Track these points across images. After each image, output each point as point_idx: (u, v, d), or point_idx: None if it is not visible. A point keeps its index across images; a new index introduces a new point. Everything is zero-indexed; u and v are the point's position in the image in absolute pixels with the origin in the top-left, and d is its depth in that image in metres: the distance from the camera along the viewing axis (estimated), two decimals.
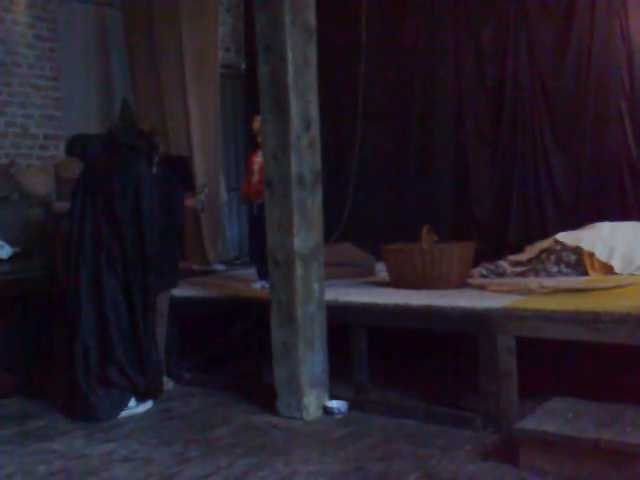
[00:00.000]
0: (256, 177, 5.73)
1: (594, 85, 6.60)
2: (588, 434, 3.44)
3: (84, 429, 4.57)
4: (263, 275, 5.45)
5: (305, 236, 4.55)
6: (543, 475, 3.48)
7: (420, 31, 7.65)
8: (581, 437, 3.43)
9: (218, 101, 7.73)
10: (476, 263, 5.53)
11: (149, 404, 4.94)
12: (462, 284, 5.11)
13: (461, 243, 5.45)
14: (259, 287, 5.63)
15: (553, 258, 5.43)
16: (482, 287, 5.00)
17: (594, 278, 5.17)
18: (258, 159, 5.64)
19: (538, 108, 6.90)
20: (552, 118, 6.87)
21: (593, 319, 3.88)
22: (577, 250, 5.37)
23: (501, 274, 5.53)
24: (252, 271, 6.20)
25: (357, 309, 4.79)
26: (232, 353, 6.07)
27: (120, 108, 7.75)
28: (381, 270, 5.85)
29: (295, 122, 4.46)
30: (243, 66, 8.96)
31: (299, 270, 4.51)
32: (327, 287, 4.81)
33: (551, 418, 3.68)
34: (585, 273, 5.31)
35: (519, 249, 5.90)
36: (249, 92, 8.37)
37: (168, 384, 5.37)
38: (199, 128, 7.59)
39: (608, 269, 5.26)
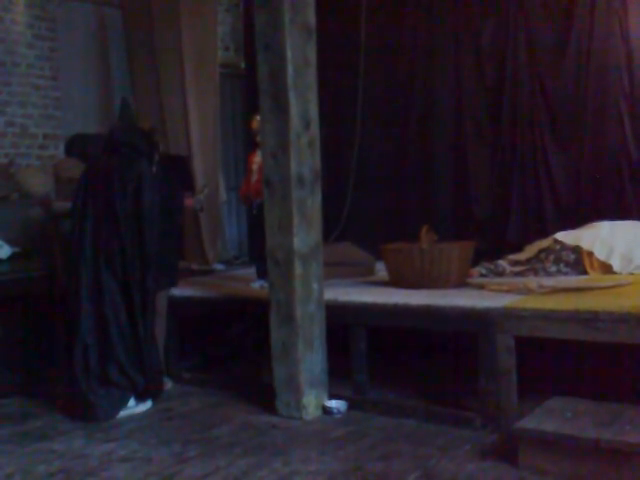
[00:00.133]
0: (255, 176, 5.73)
1: (593, 85, 6.59)
2: (587, 433, 3.44)
3: (83, 429, 4.57)
4: (262, 275, 5.45)
5: (304, 235, 4.55)
6: (542, 474, 3.48)
7: (419, 31, 7.64)
8: (580, 436, 3.43)
9: (217, 100, 7.72)
10: (475, 263, 5.53)
11: (148, 404, 4.94)
12: (461, 284, 5.11)
13: (460, 243, 5.45)
14: (258, 287, 5.63)
15: (552, 257, 5.43)
16: (481, 286, 5.00)
17: (593, 277, 5.16)
18: (257, 158, 5.64)
19: (537, 108, 6.90)
20: (551, 118, 6.87)
21: (592, 318, 3.88)
22: (576, 249, 5.37)
23: (500, 273, 5.53)
24: (251, 271, 6.20)
25: (356, 309, 4.79)
26: (231, 353, 6.07)
27: (119, 108, 7.75)
28: (380, 270, 5.85)
29: (295, 121, 4.46)
30: (242, 65, 8.95)
31: (298, 270, 4.51)
32: (326, 287, 4.81)
33: (550, 417, 3.68)
34: (584, 272, 5.31)
35: (518, 248, 5.90)
36: (249, 91, 8.36)
37: (167, 384, 5.37)
38: (198, 127, 7.59)
39: (607, 268, 5.26)
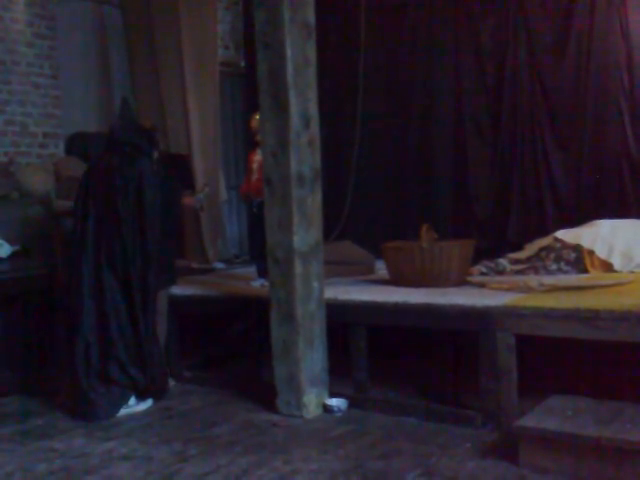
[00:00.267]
0: (255, 175, 5.73)
1: (594, 84, 6.60)
2: (588, 431, 3.44)
3: (84, 427, 4.57)
4: (263, 273, 5.45)
5: (305, 234, 4.55)
6: (543, 472, 3.48)
7: (419, 30, 7.65)
8: (581, 434, 3.43)
9: (217, 99, 7.72)
10: (476, 261, 5.53)
11: (149, 402, 4.94)
12: (462, 282, 5.11)
13: (461, 241, 5.45)
14: (259, 285, 5.63)
15: (553, 256, 5.43)
16: (482, 285, 5.00)
17: (594, 276, 5.16)
18: (257, 157, 5.64)
19: (537, 107, 6.91)
20: (552, 117, 6.88)
21: (593, 317, 3.88)
22: (577, 248, 5.37)
23: (501, 272, 5.53)
24: (252, 269, 6.21)
25: (357, 307, 4.79)
26: (232, 351, 6.06)
27: (120, 106, 7.75)
28: (381, 268, 5.85)
29: (294, 120, 4.46)
30: (242, 64, 8.95)
31: (299, 268, 4.51)
32: (327, 285, 4.81)
33: (551, 416, 3.68)
34: (585, 271, 5.31)
35: (519, 247, 5.90)
36: (248, 90, 8.37)
37: (170, 383, 5.36)
38: (198, 126, 7.59)
39: (608, 267, 5.26)
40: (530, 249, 5.64)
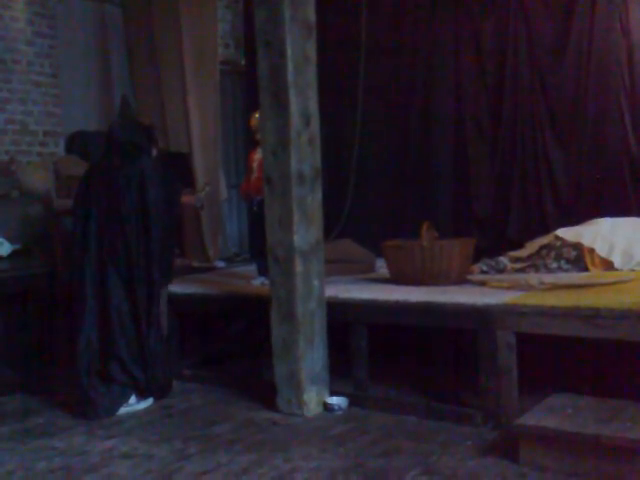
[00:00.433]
0: (255, 174, 5.73)
1: (594, 82, 6.59)
2: (588, 430, 3.44)
3: (84, 426, 4.57)
4: (263, 272, 5.45)
5: (305, 233, 4.55)
6: (543, 471, 3.48)
7: (420, 28, 7.64)
8: (581, 433, 3.43)
9: (218, 97, 7.72)
10: (476, 259, 5.53)
11: (149, 401, 4.95)
12: (462, 280, 5.11)
13: (461, 239, 5.45)
14: (259, 284, 5.63)
15: (553, 254, 5.43)
16: (482, 283, 5.00)
17: (594, 274, 5.16)
18: (257, 156, 5.64)
19: (538, 105, 6.90)
20: (552, 115, 6.87)
21: (593, 315, 3.87)
22: (577, 246, 5.37)
23: (501, 270, 5.53)
24: (252, 268, 6.20)
25: (357, 306, 4.79)
26: (232, 350, 6.06)
27: (120, 105, 7.75)
28: (381, 267, 5.85)
29: (295, 118, 4.46)
30: (243, 62, 8.94)
31: (299, 267, 4.51)
32: (327, 284, 4.81)
33: (551, 414, 3.68)
34: (585, 269, 5.31)
35: (519, 245, 5.90)
36: (249, 88, 8.36)
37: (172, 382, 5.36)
38: (199, 124, 7.58)
39: (608, 265, 5.26)
40: (530, 247, 5.64)
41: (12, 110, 7.06)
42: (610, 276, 4.90)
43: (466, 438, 4.02)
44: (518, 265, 5.55)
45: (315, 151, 4.63)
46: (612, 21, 6.45)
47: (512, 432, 3.76)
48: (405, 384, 5.00)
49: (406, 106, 7.75)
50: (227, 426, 4.45)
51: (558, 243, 5.46)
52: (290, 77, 4.42)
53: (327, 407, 4.63)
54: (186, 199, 5.76)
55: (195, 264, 7.46)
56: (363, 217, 7.95)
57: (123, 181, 4.84)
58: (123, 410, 4.80)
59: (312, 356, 4.60)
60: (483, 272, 5.51)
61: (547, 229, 6.07)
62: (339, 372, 4.79)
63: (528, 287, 4.66)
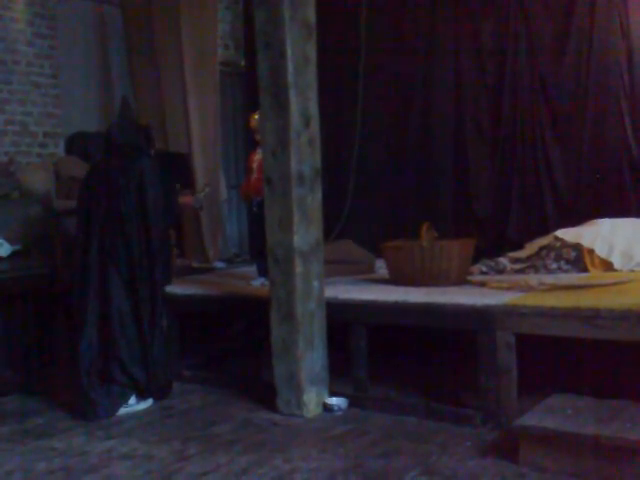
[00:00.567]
0: (255, 174, 5.73)
1: (594, 83, 6.60)
2: (588, 430, 3.44)
3: (84, 426, 4.57)
4: (263, 272, 5.45)
5: (305, 233, 4.55)
6: (543, 471, 3.48)
7: (420, 29, 7.65)
8: (581, 433, 3.43)
9: (218, 98, 7.72)
10: (476, 260, 5.53)
11: (149, 402, 4.95)
12: (462, 281, 5.11)
13: (461, 240, 5.45)
14: (259, 284, 5.63)
15: (553, 255, 5.43)
16: (482, 284, 5.00)
17: (594, 275, 5.16)
18: (257, 156, 5.64)
19: (538, 106, 6.91)
20: (552, 115, 6.88)
21: (593, 316, 3.87)
22: (577, 247, 5.37)
23: (501, 271, 5.53)
24: (252, 268, 6.21)
25: (357, 306, 4.79)
26: (232, 351, 6.07)
27: (120, 106, 7.76)
28: (381, 267, 5.85)
29: (295, 119, 4.46)
30: (242, 63, 8.95)
31: (299, 267, 4.51)
32: (327, 284, 4.81)
33: (551, 414, 3.68)
34: (585, 270, 5.31)
35: (519, 246, 5.90)
36: (249, 89, 8.37)
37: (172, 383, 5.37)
38: (199, 125, 7.59)
39: (608, 266, 5.26)
40: (530, 248, 5.64)
41: (12, 111, 7.07)
42: (610, 277, 4.90)
43: (466, 439, 4.02)
44: (518, 266, 5.55)
45: (315, 152, 4.63)
46: (612, 21, 6.46)
47: (512, 433, 3.76)
48: (405, 385, 5.00)
49: (406, 106, 7.76)
50: (227, 427, 4.45)
51: (558, 244, 5.46)
52: (290, 78, 4.42)
53: (327, 408, 4.63)
54: (186, 200, 5.76)
55: (195, 265, 7.46)
56: (363, 218, 7.96)
57: (123, 181, 4.86)
58: (123, 411, 4.80)
59: (312, 357, 4.60)
60: (483, 273, 5.51)
61: (547, 230, 6.07)
62: (339, 373, 4.79)
63: (528, 288, 4.66)
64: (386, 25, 7.84)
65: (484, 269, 5.55)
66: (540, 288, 4.62)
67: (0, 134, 6.96)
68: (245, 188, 6.02)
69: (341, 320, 4.80)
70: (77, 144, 7.30)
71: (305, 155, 4.54)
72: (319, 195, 4.67)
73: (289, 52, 4.41)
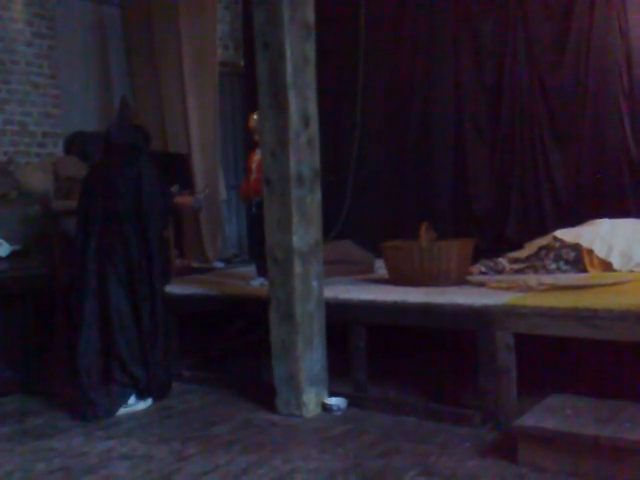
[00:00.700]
0: (254, 175, 5.73)
1: (593, 83, 6.60)
2: (587, 431, 3.44)
3: (83, 427, 4.57)
4: (262, 273, 5.45)
5: (304, 234, 4.55)
6: (542, 471, 3.48)
7: (419, 29, 7.66)
8: (580, 434, 3.43)
9: (217, 98, 7.73)
10: (475, 260, 5.53)
11: (149, 402, 4.94)
12: (461, 281, 5.11)
13: (460, 240, 5.45)
14: (258, 285, 5.63)
15: (552, 255, 5.43)
16: (481, 284, 5.00)
17: (593, 275, 5.17)
18: (256, 157, 5.64)
19: (537, 106, 6.91)
20: (551, 116, 6.88)
21: (592, 316, 3.88)
22: (576, 247, 5.37)
23: (500, 271, 5.53)
24: (251, 269, 6.20)
25: (356, 306, 4.79)
26: (231, 351, 6.07)
27: (119, 106, 7.76)
28: (380, 267, 5.85)
29: (294, 120, 4.46)
30: (242, 63, 8.95)
31: (298, 268, 4.51)
32: (326, 285, 4.81)
33: (550, 415, 3.68)
34: (584, 270, 5.31)
35: (518, 246, 5.90)
36: (248, 89, 8.37)
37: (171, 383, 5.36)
38: (198, 126, 7.60)
39: (607, 266, 5.26)
40: (529, 248, 5.64)
41: (11, 111, 7.07)
42: (609, 277, 4.90)
43: (465, 439, 4.02)
44: (517, 266, 5.55)
45: (314, 152, 4.63)
46: (610, 22, 6.46)
47: (511, 433, 3.76)
48: (404, 385, 5.01)
49: (405, 107, 7.76)
50: (226, 427, 4.45)
51: (557, 244, 5.46)
52: (289, 78, 4.42)
53: (326, 408, 4.63)
54: (185, 200, 5.76)
55: (194, 265, 7.46)
56: (362, 218, 7.96)
57: (120, 181, 4.86)
58: (122, 410, 4.80)
59: (311, 357, 4.60)
60: (482, 273, 5.51)
61: (546, 230, 6.07)
62: (338, 373, 4.79)
63: (527, 288, 4.66)
64: (385, 26, 7.84)
65: (483, 269, 5.55)
66: (539, 288, 4.63)
67: None
68: (244, 189, 6.02)
69: (340, 320, 4.80)
70: (76, 144, 7.29)
71: (304, 155, 4.54)
72: (318, 195, 4.67)
73: (288, 52, 4.41)
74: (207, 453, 3.98)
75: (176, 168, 7.16)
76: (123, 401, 4.82)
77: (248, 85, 8.37)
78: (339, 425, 4.37)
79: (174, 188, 5.83)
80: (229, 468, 3.75)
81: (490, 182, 7.27)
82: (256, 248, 5.62)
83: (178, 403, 5.03)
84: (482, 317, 4.21)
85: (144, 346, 4.81)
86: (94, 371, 4.78)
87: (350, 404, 4.66)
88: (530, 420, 3.65)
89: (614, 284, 4.61)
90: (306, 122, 4.54)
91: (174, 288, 5.63)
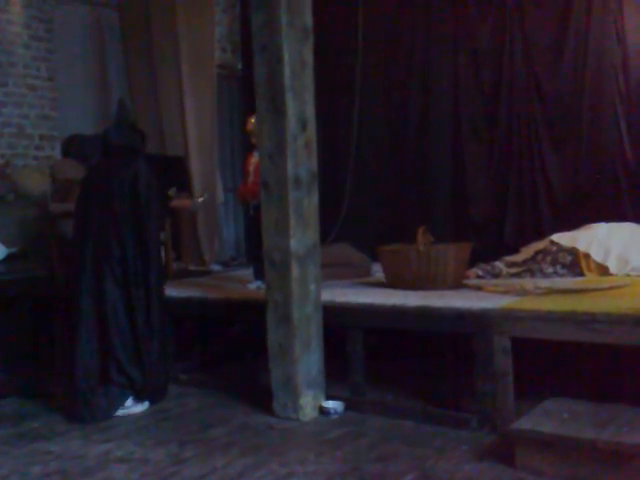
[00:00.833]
0: (251, 178, 5.73)
1: (590, 86, 6.62)
2: (584, 434, 3.44)
3: (80, 430, 4.56)
4: (259, 276, 5.44)
5: (301, 237, 4.55)
6: (539, 475, 3.48)
7: (417, 32, 7.67)
8: (577, 437, 3.43)
9: (215, 101, 7.73)
10: (472, 264, 5.53)
11: (146, 405, 4.94)
12: (458, 285, 5.11)
13: (457, 244, 5.45)
14: (255, 288, 5.63)
15: (549, 259, 5.44)
16: (478, 288, 5.01)
17: (590, 279, 5.17)
18: (254, 160, 5.64)
19: (534, 109, 6.93)
20: (548, 119, 6.89)
21: (589, 320, 3.88)
22: (573, 251, 5.38)
23: (497, 275, 5.54)
24: (248, 272, 6.20)
25: (353, 310, 4.79)
26: (228, 354, 6.06)
27: (117, 109, 7.75)
28: (377, 271, 5.85)
29: (291, 123, 4.46)
30: (239, 67, 8.96)
31: (295, 271, 4.51)
32: (323, 288, 4.81)
33: (547, 418, 3.68)
34: (581, 274, 5.32)
35: (515, 250, 5.91)
36: (246, 93, 8.37)
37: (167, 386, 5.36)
38: (196, 128, 7.60)
39: (604, 270, 5.27)
40: (526, 252, 5.65)
41: (8, 113, 7.07)
42: (606, 281, 4.91)
43: (462, 442, 4.01)
44: (514, 270, 5.56)
45: (311, 155, 4.64)
46: (607, 26, 6.49)
47: (508, 436, 3.76)
48: (401, 388, 5.00)
49: (403, 109, 7.77)
50: (223, 430, 4.45)
51: (554, 248, 5.47)
52: (287, 81, 4.43)
53: (323, 411, 4.62)
54: (183, 203, 5.76)
55: (191, 267, 7.46)
56: (359, 221, 7.96)
57: (117, 182, 4.87)
58: (120, 412, 4.79)
59: (308, 360, 4.59)
60: (479, 277, 5.52)
61: (543, 234, 6.08)
62: (335, 376, 4.79)
63: (524, 292, 4.66)
64: (383, 28, 7.85)
65: (480, 273, 5.56)
66: (536, 292, 4.63)
67: None
68: (242, 192, 6.02)
69: (338, 324, 4.80)
70: (74, 146, 7.29)
71: (302, 158, 4.55)
72: (316, 198, 4.67)
73: (286, 56, 4.41)
74: (204, 456, 3.98)
75: (174, 171, 7.16)
76: (121, 403, 4.81)
77: (246, 88, 8.37)
78: (336, 428, 4.37)
79: (171, 191, 5.83)
80: (226, 471, 3.75)
81: (487, 185, 7.28)
82: (254, 251, 5.62)
83: (175, 406, 5.02)
84: (479, 321, 4.21)
85: (139, 348, 4.81)
86: (92, 373, 4.77)
87: (347, 407, 4.66)
88: (527, 424, 3.65)
89: (611, 288, 4.62)
90: (303, 125, 4.55)
91: (171, 291, 5.62)
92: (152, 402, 4.97)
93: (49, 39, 7.39)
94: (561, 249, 5.43)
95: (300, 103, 4.53)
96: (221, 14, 8.80)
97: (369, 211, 7.92)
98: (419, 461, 3.76)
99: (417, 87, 7.68)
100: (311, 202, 4.62)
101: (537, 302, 4.30)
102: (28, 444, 4.32)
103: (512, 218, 7.07)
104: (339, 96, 8.08)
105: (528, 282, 5.01)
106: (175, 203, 5.77)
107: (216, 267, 7.60)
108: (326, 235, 7.25)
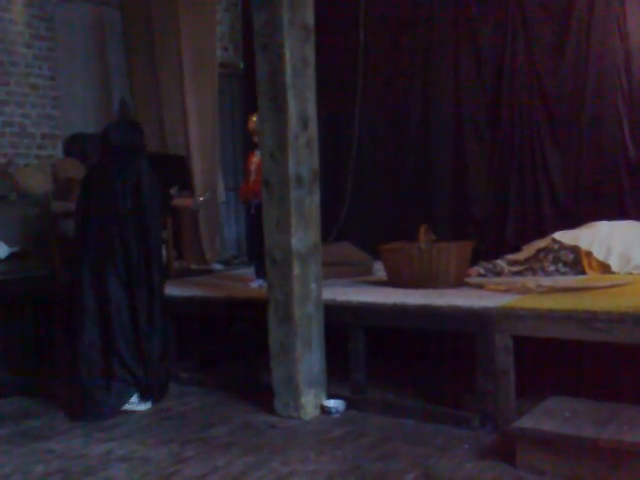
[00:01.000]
0: (253, 177, 5.73)
1: (592, 85, 6.61)
2: (586, 433, 3.44)
3: (82, 429, 4.56)
4: (261, 274, 5.45)
5: (303, 235, 4.55)
6: (541, 474, 3.48)
7: (418, 30, 7.66)
8: (579, 436, 3.43)
9: (216, 100, 7.73)
10: (474, 262, 5.53)
11: (149, 404, 4.94)
12: (460, 283, 5.11)
13: (459, 242, 5.45)
14: (257, 286, 5.63)
15: (551, 257, 5.44)
16: (480, 286, 5.00)
17: (591, 277, 5.17)
18: (255, 159, 5.64)
19: (536, 108, 6.91)
20: (550, 118, 6.88)
21: (591, 318, 3.88)
22: (574, 249, 5.37)
23: (499, 273, 5.54)
24: (250, 270, 6.20)
25: (355, 308, 4.79)
26: (230, 353, 6.06)
27: (118, 108, 7.76)
28: (378, 269, 5.85)
29: (293, 121, 4.46)
30: (241, 65, 8.96)
31: (297, 269, 4.51)
32: (325, 286, 4.81)
33: (549, 417, 3.68)
34: (582, 272, 5.32)
35: (517, 248, 5.91)
36: (247, 91, 8.37)
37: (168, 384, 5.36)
38: (197, 127, 7.59)
39: (605, 268, 5.26)
40: (528, 250, 5.64)
41: (10, 113, 7.07)
42: (607, 279, 4.90)
43: (464, 441, 4.02)
44: (515, 268, 5.55)
45: (313, 154, 4.63)
46: (610, 24, 6.47)
47: (509, 435, 3.76)
48: (403, 387, 5.00)
49: (404, 108, 7.76)
50: (224, 429, 4.45)
51: (555, 246, 5.47)
52: (288, 80, 4.43)
53: (324, 410, 4.63)
54: (185, 202, 5.76)
55: (193, 266, 7.46)
56: (361, 220, 7.96)
57: (119, 181, 4.87)
58: (126, 407, 4.80)
59: (310, 359, 4.59)
60: (481, 275, 5.52)
61: (544, 232, 6.08)
62: (337, 375, 4.79)
63: (525, 290, 4.66)
64: (384, 27, 7.84)
65: (482, 271, 5.55)
66: (538, 290, 4.63)
67: None
68: (243, 190, 6.02)
69: (339, 322, 4.80)
70: (76, 146, 7.31)
71: (303, 157, 4.55)
72: (317, 197, 4.67)
73: (287, 54, 4.41)
74: (205, 455, 3.98)
75: (175, 169, 7.16)
76: (126, 399, 4.82)
77: (247, 87, 8.37)
78: (337, 427, 4.37)
79: (173, 190, 5.84)
80: (227, 470, 3.75)
81: (489, 184, 7.27)
82: (255, 250, 5.62)
83: (176, 405, 5.03)
84: (481, 319, 4.21)
85: (141, 347, 4.81)
86: (96, 370, 4.78)
87: (349, 406, 4.66)
88: (528, 422, 3.65)
89: (612, 286, 4.61)
90: (305, 124, 4.55)
91: (173, 290, 5.63)
92: (154, 401, 4.98)
93: (51, 38, 7.39)
94: (563, 247, 5.43)
95: (302, 102, 4.53)
96: (223, 12, 8.80)
97: (370, 210, 7.91)
98: (420, 460, 3.76)
99: (419, 86, 7.67)
100: (312, 201, 4.62)
101: (538, 301, 4.29)
102: (30, 443, 4.32)
103: (514, 216, 7.06)
104: (341, 95, 8.07)
105: (530, 280, 5.01)
106: (176, 202, 5.77)
107: (217, 266, 7.60)
108: (327, 234, 7.25)
